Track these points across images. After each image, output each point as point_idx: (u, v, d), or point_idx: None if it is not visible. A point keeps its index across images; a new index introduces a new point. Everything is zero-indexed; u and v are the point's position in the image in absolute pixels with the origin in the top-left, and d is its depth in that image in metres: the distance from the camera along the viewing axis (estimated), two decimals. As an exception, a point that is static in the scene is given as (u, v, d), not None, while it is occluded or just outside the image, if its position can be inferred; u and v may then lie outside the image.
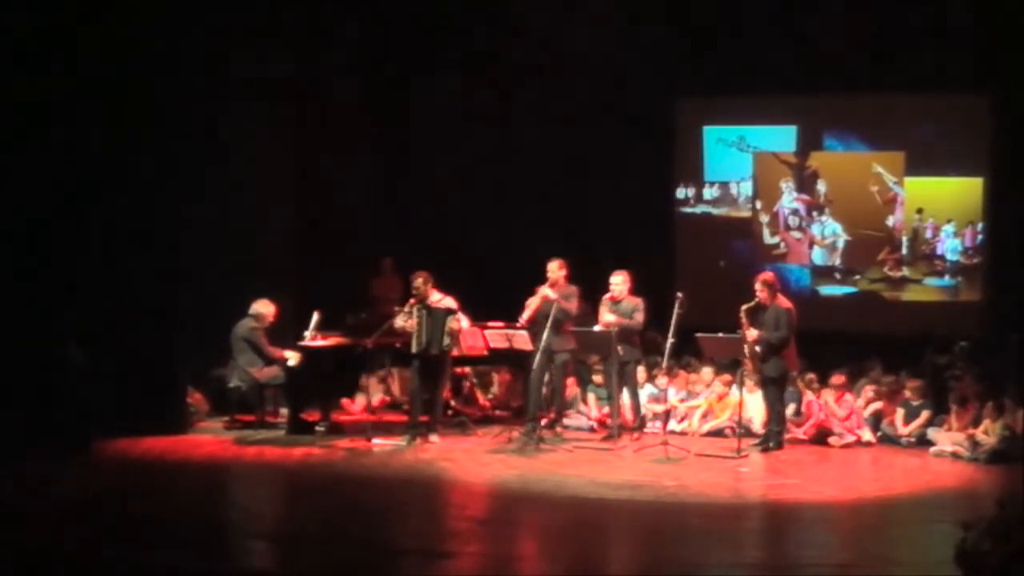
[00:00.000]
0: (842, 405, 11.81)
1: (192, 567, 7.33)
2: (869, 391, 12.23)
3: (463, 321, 11.67)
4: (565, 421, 12.30)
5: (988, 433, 10.87)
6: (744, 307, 11.29)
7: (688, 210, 15.37)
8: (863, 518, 9.02)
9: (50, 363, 10.63)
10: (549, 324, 11.30)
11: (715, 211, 15.32)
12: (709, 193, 15.33)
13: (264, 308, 11.91)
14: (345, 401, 12.93)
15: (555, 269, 11.67)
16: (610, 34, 14.40)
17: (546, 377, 11.75)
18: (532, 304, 11.57)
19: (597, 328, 11.62)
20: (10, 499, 8.77)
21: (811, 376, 12.21)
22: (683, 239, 15.37)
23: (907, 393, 11.94)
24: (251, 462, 10.68)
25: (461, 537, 8.41)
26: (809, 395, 12.05)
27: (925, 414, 11.68)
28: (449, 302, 11.51)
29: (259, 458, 10.81)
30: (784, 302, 11.39)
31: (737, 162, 15.23)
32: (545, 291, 11.54)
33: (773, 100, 14.97)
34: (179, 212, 11.67)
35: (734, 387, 11.93)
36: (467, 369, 13.08)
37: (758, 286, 11.35)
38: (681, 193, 15.39)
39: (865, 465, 11.04)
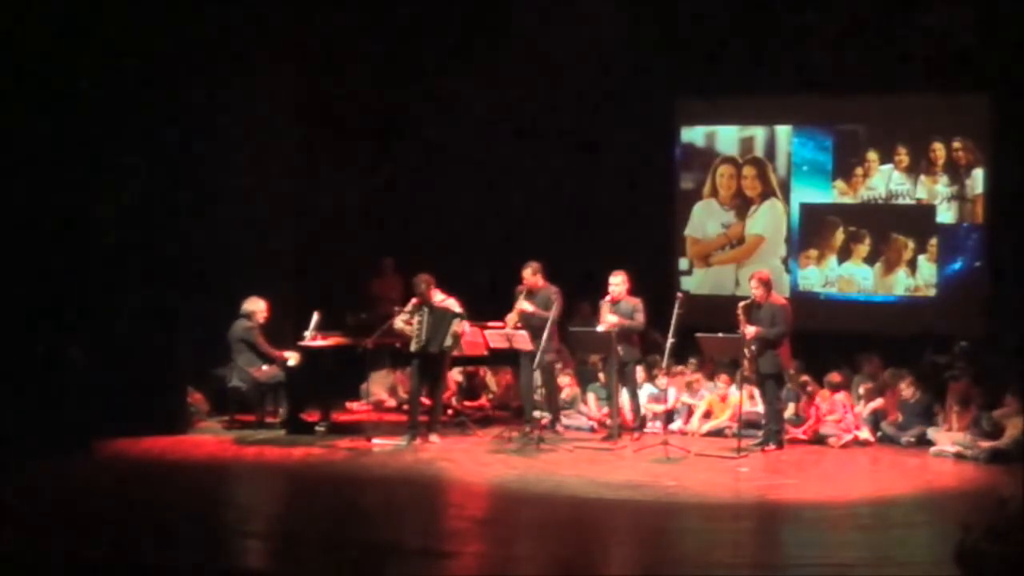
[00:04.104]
0: (835, 405, 11.81)
1: (192, 567, 7.33)
2: (862, 388, 12.20)
3: (465, 324, 11.64)
4: (565, 421, 12.31)
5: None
6: (741, 304, 11.36)
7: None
8: (863, 518, 9.00)
9: (50, 363, 10.63)
10: (546, 329, 11.28)
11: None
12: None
13: (254, 305, 11.90)
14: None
15: (529, 275, 11.68)
16: (611, 33, 14.39)
17: (538, 379, 11.75)
18: (511, 320, 11.56)
19: (600, 328, 11.62)
20: (10, 499, 8.77)
21: (805, 378, 12.23)
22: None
23: (906, 392, 11.89)
24: (251, 462, 10.68)
25: (461, 537, 8.41)
26: (804, 397, 12.07)
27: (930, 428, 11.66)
28: (452, 303, 11.51)
29: (259, 458, 10.81)
30: (779, 299, 11.56)
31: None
32: (522, 306, 11.55)
33: (772, 100, 14.97)
34: (179, 212, 11.68)
35: (733, 387, 11.94)
36: (479, 368, 13.11)
37: (753, 283, 11.43)
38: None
39: (865, 465, 11.04)
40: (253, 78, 12.72)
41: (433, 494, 9.68)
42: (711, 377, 12.67)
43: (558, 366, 12.28)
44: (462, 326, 11.49)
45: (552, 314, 11.39)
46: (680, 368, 12.69)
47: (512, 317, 11.58)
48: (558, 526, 8.68)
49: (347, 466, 10.47)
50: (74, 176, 11.02)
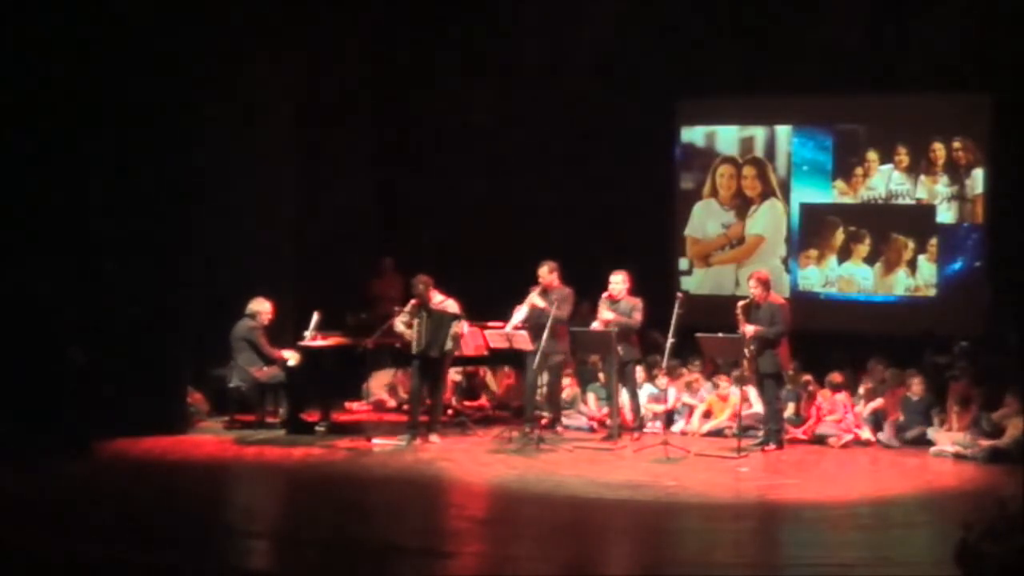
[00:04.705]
0: (835, 405, 11.81)
1: (192, 567, 7.33)
2: (863, 388, 12.19)
3: (463, 326, 11.63)
4: (565, 421, 12.31)
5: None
6: (740, 304, 11.37)
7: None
8: (863, 518, 9.00)
9: (50, 363, 10.63)
10: (547, 327, 11.28)
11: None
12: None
13: (260, 306, 11.91)
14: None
15: (546, 273, 11.68)
16: (610, 34, 14.40)
17: (544, 379, 11.75)
18: (521, 314, 11.57)
19: (595, 325, 11.62)
20: (10, 499, 8.77)
21: (807, 378, 12.23)
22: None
23: (915, 389, 11.84)
24: (251, 462, 10.68)
25: (461, 537, 8.42)
26: (805, 397, 12.07)
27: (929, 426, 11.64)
28: (451, 304, 11.50)
29: (259, 458, 10.81)
30: (777, 298, 11.59)
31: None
32: (534, 299, 11.56)
33: (772, 100, 14.98)
34: (179, 212, 11.67)
35: (734, 387, 11.94)
36: (478, 368, 13.12)
37: (752, 283, 11.45)
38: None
39: (865, 465, 11.03)
40: (253, 78, 12.71)
41: (433, 494, 9.68)
42: (711, 377, 12.68)
43: (561, 367, 12.32)
44: (461, 327, 11.49)
45: (554, 312, 11.38)
46: (681, 368, 12.69)
47: (523, 308, 11.56)
48: (558, 526, 8.68)
49: (347, 466, 10.46)
50: (74, 176, 11.00)
